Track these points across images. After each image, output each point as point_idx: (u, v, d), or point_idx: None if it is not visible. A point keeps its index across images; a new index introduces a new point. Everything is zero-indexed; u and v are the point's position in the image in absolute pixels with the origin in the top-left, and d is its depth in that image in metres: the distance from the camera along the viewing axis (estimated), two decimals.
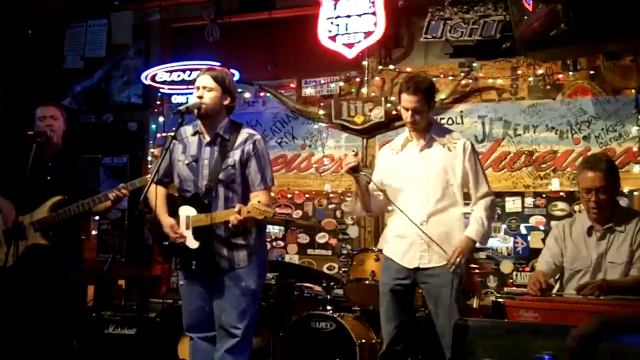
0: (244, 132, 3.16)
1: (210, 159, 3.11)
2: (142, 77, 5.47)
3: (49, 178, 3.74)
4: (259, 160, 3.11)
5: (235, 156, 3.09)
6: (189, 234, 3.06)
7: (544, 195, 4.63)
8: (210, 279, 3.10)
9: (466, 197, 3.27)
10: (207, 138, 3.14)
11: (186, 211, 3.10)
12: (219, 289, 3.08)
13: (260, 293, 3.20)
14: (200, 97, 3.07)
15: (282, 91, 5.29)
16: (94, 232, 5.71)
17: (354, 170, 3.16)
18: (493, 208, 3.24)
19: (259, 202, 2.93)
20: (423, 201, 3.17)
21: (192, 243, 3.05)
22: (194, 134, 3.19)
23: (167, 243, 3.12)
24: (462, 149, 3.19)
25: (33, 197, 3.66)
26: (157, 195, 3.18)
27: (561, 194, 4.57)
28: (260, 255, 3.17)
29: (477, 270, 4.10)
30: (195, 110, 3.09)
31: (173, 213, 3.15)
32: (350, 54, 4.92)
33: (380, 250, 3.59)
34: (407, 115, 3.18)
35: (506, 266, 4.67)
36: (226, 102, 3.13)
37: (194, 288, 3.13)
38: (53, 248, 3.66)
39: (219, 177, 3.07)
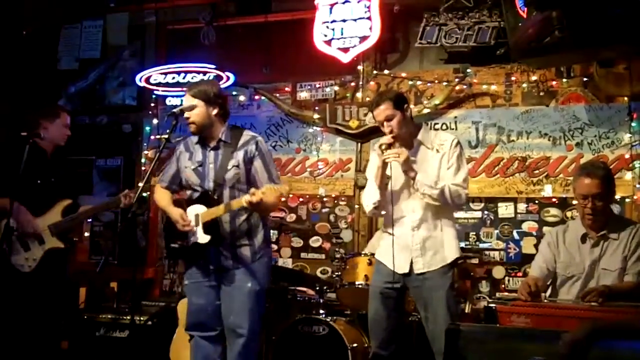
0: (246, 135, 3.25)
1: (215, 162, 3.17)
2: (137, 78, 5.45)
3: (53, 180, 3.77)
4: (263, 159, 3.18)
5: (238, 157, 3.16)
6: (199, 230, 3.10)
7: (536, 202, 4.65)
8: (216, 278, 3.16)
9: None
10: (211, 145, 3.21)
11: (194, 210, 3.14)
12: (225, 290, 3.15)
13: (264, 292, 3.24)
14: (188, 119, 3.14)
15: (277, 94, 5.29)
16: (86, 234, 5.68)
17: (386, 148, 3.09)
18: (454, 197, 3.06)
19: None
20: (414, 207, 3.17)
21: (203, 238, 3.09)
22: (198, 141, 3.26)
23: (176, 245, 3.16)
24: (449, 146, 3.17)
25: (39, 200, 3.68)
26: (162, 195, 3.28)
27: (554, 200, 4.59)
28: (264, 256, 3.23)
29: (469, 275, 4.11)
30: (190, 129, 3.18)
31: None
32: (346, 58, 4.92)
33: (373, 254, 3.59)
34: (384, 129, 3.17)
35: (498, 271, 4.68)
36: (214, 113, 3.18)
37: (198, 287, 3.20)
38: (66, 250, 3.70)
39: (225, 177, 3.13)
